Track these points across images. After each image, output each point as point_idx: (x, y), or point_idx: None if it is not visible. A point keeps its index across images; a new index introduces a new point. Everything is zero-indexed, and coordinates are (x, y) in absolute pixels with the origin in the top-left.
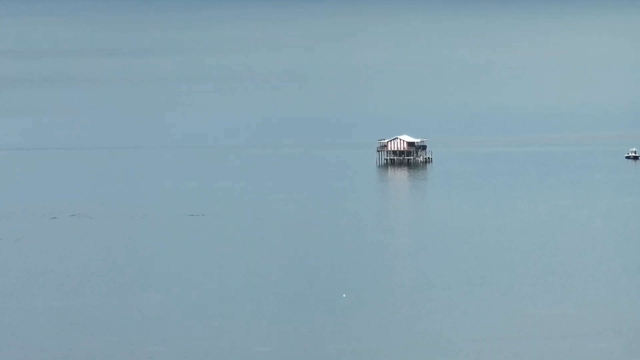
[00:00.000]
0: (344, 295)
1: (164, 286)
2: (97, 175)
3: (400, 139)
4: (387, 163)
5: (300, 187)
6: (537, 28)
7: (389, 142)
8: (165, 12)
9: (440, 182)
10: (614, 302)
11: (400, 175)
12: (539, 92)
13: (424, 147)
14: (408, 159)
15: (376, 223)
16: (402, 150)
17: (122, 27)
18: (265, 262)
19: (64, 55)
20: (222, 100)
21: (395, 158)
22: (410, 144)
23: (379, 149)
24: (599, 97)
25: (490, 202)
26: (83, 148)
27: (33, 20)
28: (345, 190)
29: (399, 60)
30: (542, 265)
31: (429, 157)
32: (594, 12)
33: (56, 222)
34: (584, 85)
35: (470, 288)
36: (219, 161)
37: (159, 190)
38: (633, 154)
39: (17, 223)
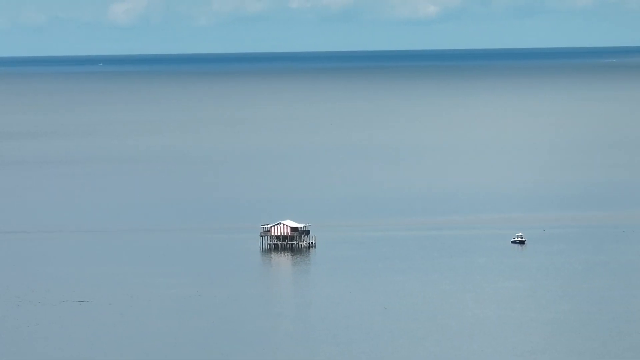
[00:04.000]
0: None
1: None
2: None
3: (284, 224)
4: (270, 248)
5: (184, 272)
6: (422, 111)
7: (273, 227)
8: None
9: (325, 268)
10: None
11: (284, 260)
12: (423, 174)
13: (307, 232)
14: (291, 244)
15: (261, 309)
16: (286, 235)
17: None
18: (149, 349)
19: None
20: (105, 184)
21: (278, 243)
22: (293, 229)
23: (262, 234)
24: (485, 180)
25: (377, 287)
26: None
27: None
28: (229, 275)
29: (281, 143)
30: (430, 351)
31: (312, 242)
32: (480, 94)
33: None
34: (469, 167)
35: None
36: (101, 245)
37: (43, 275)
38: (519, 239)
39: None
